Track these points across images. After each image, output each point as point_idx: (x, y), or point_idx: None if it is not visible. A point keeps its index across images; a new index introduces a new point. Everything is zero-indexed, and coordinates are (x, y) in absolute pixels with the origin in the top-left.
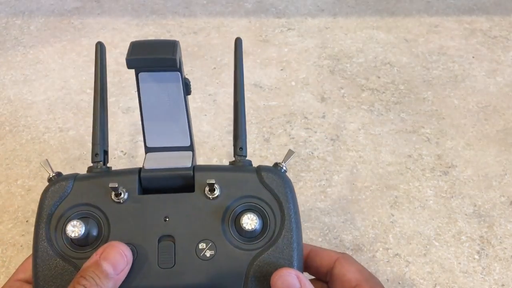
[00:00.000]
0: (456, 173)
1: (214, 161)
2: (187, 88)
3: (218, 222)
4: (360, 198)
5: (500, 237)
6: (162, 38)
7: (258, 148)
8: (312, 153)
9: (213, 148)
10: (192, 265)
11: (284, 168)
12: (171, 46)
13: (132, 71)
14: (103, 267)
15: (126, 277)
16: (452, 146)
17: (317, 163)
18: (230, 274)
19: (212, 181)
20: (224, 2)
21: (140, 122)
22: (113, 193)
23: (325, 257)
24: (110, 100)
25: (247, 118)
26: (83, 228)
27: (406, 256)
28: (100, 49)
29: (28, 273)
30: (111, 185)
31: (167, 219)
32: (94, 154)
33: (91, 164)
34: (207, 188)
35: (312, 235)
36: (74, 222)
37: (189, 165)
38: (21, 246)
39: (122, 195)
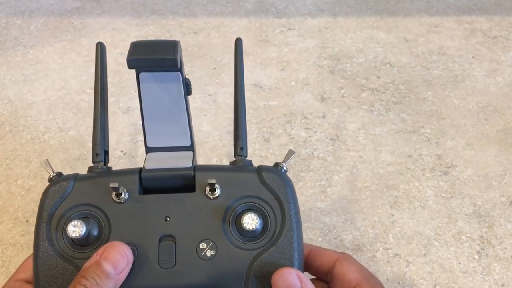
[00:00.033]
0: (456, 173)
1: (214, 161)
2: (187, 88)
3: (218, 222)
4: (360, 198)
5: (500, 237)
6: (162, 38)
7: (258, 148)
8: (312, 153)
9: (213, 148)
10: (193, 265)
11: (285, 168)
12: (172, 46)
13: (132, 71)
14: (103, 267)
15: (126, 277)
16: (452, 146)
17: (317, 163)
18: (231, 274)
19: (213, 181)
20: (224, 2)
21: (140, 122)
22: (113, 193)
23: (325, 257)
24: (110, 100)
25: (247, 118)
26: (84, 228)
27: (406, 256)
28: (100, 49)
29: (28, 273)
30: (111, 185)
31: (168, 219)
32: (95, 154)
33: (92, 164)
34: (207, 188)
35: (312, 235)
36: (75, 222)
37: (189, 165)
38: (21, 246)
39: (122, 195)
